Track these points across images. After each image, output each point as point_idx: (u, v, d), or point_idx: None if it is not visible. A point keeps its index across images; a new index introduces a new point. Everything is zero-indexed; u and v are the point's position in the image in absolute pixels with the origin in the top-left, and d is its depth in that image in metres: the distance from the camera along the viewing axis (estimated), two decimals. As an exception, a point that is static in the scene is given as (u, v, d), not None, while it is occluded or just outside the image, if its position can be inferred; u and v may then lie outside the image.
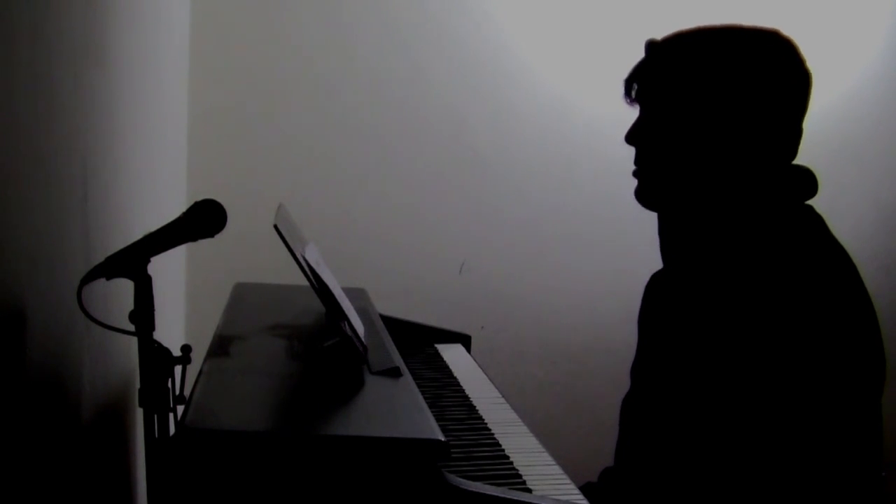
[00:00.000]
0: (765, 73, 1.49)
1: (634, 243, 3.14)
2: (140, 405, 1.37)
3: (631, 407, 1.68)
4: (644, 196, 1.58)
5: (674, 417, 1.51)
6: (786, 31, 1.56)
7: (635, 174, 1.58)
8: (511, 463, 1.63)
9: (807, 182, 1.54)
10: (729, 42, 1.52)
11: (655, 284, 1.68)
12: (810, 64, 1.54)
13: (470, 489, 1.31)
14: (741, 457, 1.43)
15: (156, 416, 1.37)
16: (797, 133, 1.53)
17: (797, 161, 1.55)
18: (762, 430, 1.41)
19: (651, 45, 1.57)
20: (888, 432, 1.53)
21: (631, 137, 1.58)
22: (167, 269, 2.32)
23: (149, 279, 1.35)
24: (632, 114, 1.60)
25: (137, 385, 1.37)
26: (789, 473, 1.41)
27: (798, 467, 1.41)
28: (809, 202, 1.55)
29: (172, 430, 1.37)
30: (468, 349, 2.43)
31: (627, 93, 1.58)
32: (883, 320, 1.52)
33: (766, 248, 1.48)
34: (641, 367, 1.68)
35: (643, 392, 1.65)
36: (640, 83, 1.57)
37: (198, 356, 1.50)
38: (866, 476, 1.47)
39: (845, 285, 1.48)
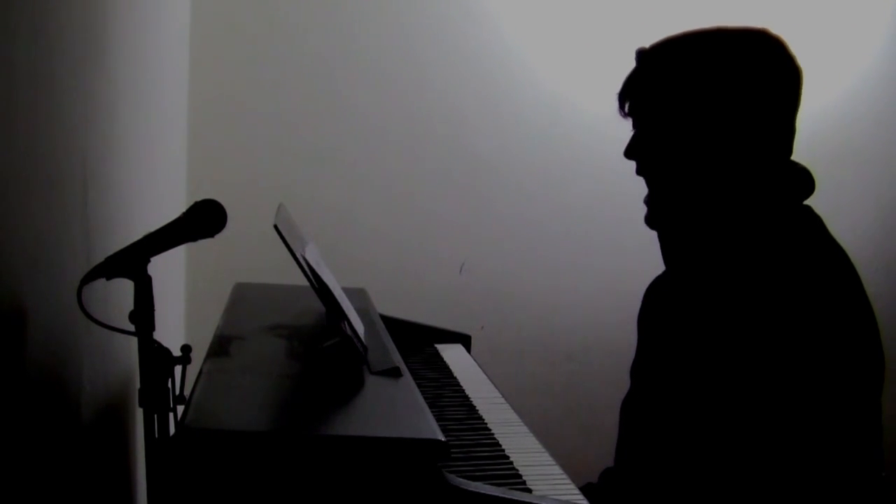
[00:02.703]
0: (756, 73, 1.50)
1: (634, 243, 3.14)
2: (140, 405, 1.37)
3: (631, 408, 1.68)
4: (655, 221, 1.58)
5: (674, 418, 1.51)
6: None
7: (646, 202, 1.58)
8: (511, 463, 1.63)
9: (804, 180, 1.54)
10: (718, 44, 1.52)
11: (656, 287, 1.68)
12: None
13: (470, 489, 1.31)
14: (741, 457, 1.42)
15: (156, 416, 1.37)
16: (791, 130, 1.54)
17: (794, 158, 1.56)
18: (762, 430, 1.41)
19: (641, 54, 1.57)
20: (888, 432, 1.53)
21: (630, 152, 1.58)
22: (167, 269, 2.32)
23: (149, 279, 1.35)
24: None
25: (137, 385, 1.37)
26: (790, 474, 1.41)
27: (798, 468, 1.41)
28: (808, 202, 1.55)
29: (172, 430, 1.37)
30: (468, 349, 2.43)
31: (622, 107, 1.59)
32: (882, 320, 1.52)
33: (765, 250, 1.48)
34: (641, 367, 1.68)
35: (643, 393, 1.65)
36: (634, 94, 1.57)
37: (198, 356, 1.50)
38: (867, 476, 1.47)
39: (844, 286, 1.48)
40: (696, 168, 1.52)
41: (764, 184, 1.51)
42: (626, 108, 1.59)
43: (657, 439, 1.56)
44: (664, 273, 1.65)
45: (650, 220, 1.59)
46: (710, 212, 1.53)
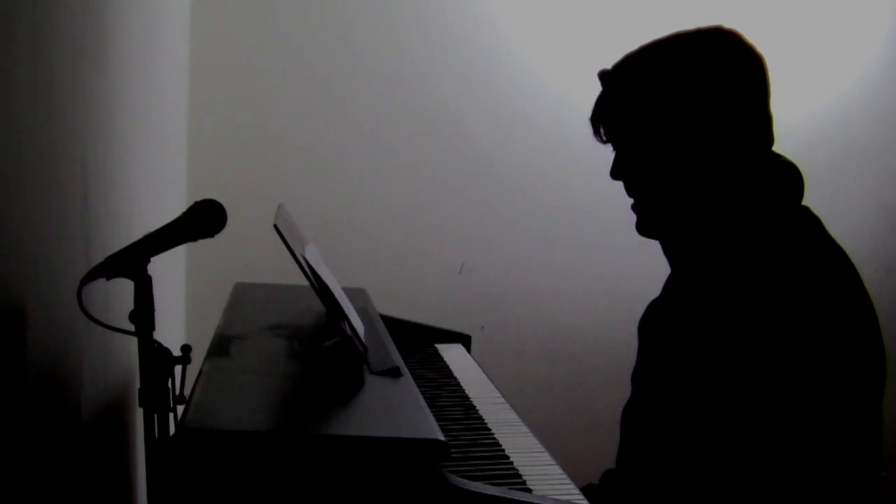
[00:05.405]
0: (718, 67, 1.50)
1: (634, 243, 3.13)
2: (140, 405, 1.37)
3: (632, 414, 1.68)
4: (646, 228, 1.59)
5: (675, 423, 1.51)
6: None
7: (634, 209, 1.59)
8: (511, 463, 1.63)
9: (793, 176, 1.54)
10: (676, 49, 1.53)
11: (656, 304, 1.67)
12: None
13: (470, 489, 1.32)
14: (742, 459, 1.42)
15: (156, 416, 1.37)
16: (767, 117, 1.54)
17: (793, 158, 1.56)
18: (763, 433, 1.41)
19: (604, 76, 1.58)
20: (888, 432, 1.53)
21: (615, 173, 1.59)
22: (167, 269, 2.32)
23: (149, 279, 1.35)
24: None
25: (137, 385, 1.37)
26: (790, 476, 1.41)
27: (799, 470, 1.41)
28: (808, 202, 1.55)
29: (172, 430, 1.37)
30: (468, 349, 2.43)
31: (596, 132, 1.59)
32: (883, 321, 1.52)
33: (765, 251, 1.48)
34: (642, 373, 1.68)
35: (644, 398, 1.65)
36: (607, 117, 1.58)
37: (198, 356, 1.50)
38: (867, 476, 1.47)
39: (844, 287, 1.48)
40: (683, 173, 1.52)
41: (752, 177, 1.51)
42: (602, 133, 1.59)
43: (659, 445, 1.55)
44: (662, 294, 1.65)
45: (641, 228, 1.59)
46: (706, 214, 1.52)
